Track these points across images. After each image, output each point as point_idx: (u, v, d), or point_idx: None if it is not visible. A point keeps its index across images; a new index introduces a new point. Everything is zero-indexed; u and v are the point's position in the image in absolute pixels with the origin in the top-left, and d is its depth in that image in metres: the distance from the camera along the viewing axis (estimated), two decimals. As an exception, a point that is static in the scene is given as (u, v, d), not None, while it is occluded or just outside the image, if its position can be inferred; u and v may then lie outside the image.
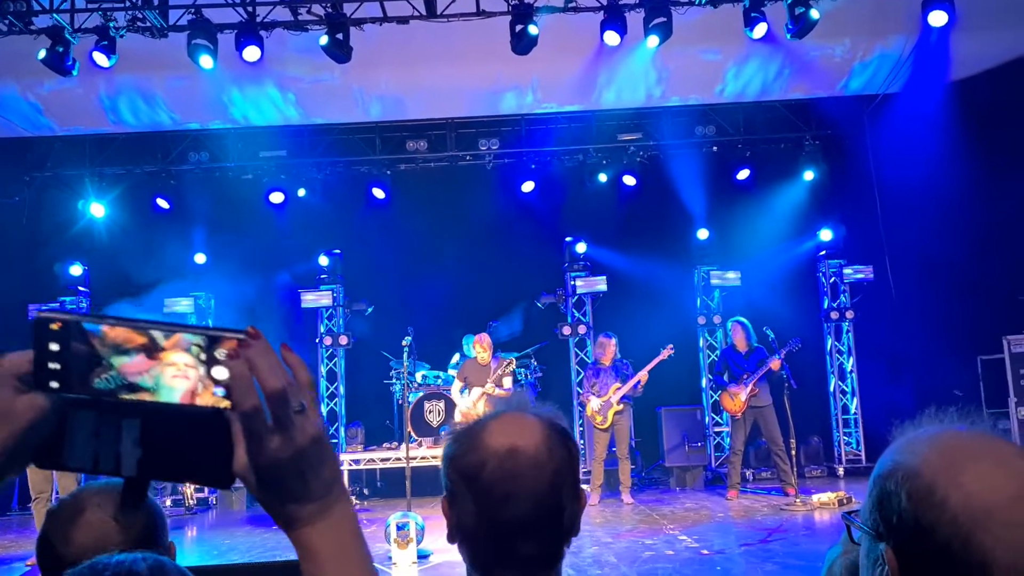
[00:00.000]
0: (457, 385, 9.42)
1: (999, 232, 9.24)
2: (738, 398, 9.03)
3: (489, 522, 1.17)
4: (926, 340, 9.93)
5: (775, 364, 8.89)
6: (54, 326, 0.70)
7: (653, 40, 8.42)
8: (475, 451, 1.20)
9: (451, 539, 1.24)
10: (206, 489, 10.21)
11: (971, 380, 10.14)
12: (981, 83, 9.54)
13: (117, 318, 0.71)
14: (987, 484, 0.79)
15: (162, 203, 11.10)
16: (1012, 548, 0.76)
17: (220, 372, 0.70)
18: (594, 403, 9.23)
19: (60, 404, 0.72)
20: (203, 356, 0.70)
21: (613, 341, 9.44)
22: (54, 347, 0.70)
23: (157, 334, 0.71)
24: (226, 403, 0.70)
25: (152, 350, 0.70)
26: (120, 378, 0.70)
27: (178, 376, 0.70)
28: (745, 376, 9.04)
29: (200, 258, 11.23)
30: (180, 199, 11.22)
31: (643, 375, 9.15)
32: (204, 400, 0.70)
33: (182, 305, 10.94)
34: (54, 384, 0.70)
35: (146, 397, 0.70)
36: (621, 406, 9.15)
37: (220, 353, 0.70)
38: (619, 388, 9.14)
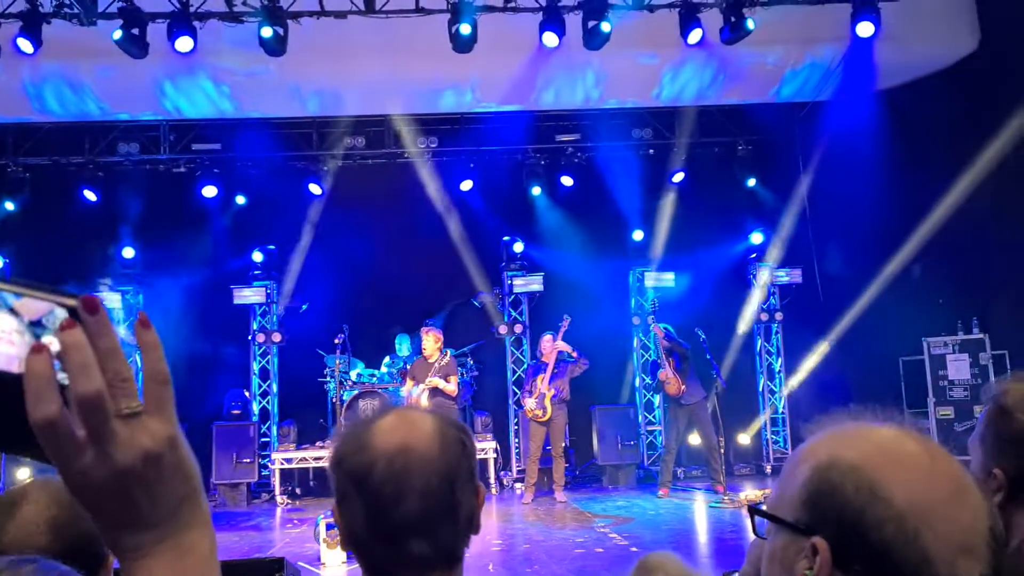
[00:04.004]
0: (408, 385, 9.05)
1: (921, 238, 9.55)
2: (666, 385, 9.15)
3: (381, 523, 1.14)
4: (851, 341, 10.25)
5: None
6: None
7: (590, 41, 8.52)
8: (364, 451, 1.16)
9: (344, 546, 1.21)
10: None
11: (893, 380, 10.49)
12: (906, 93, 9.87)
13: None
14: (927, 482, 0.81)
15: (89, 195, 10.77)
16: (949, 543, 0.79)
17: (51, 342, 0.57)
18: (529, 403, 9.25)
19: None
20: (27, 319, 0.58)
21: (545, 337, 9.49)
22: None
23: None
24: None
25: None
26: None
27: (2, 341, 0.58)
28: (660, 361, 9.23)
29: (129, 252, 10.93)
30: (109, 191, 10.92)
31: (560, 346, 9.13)
32: None
33: (110, 300, 10.63)
34: None
35: None
36: (552, 391, 9.13)
37: (48, 320, 0.58)
38: (544, 377, 9.16)
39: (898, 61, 9.40)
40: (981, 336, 9.41)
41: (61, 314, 0.59)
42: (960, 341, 9.52)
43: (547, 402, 9.11)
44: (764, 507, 0.94)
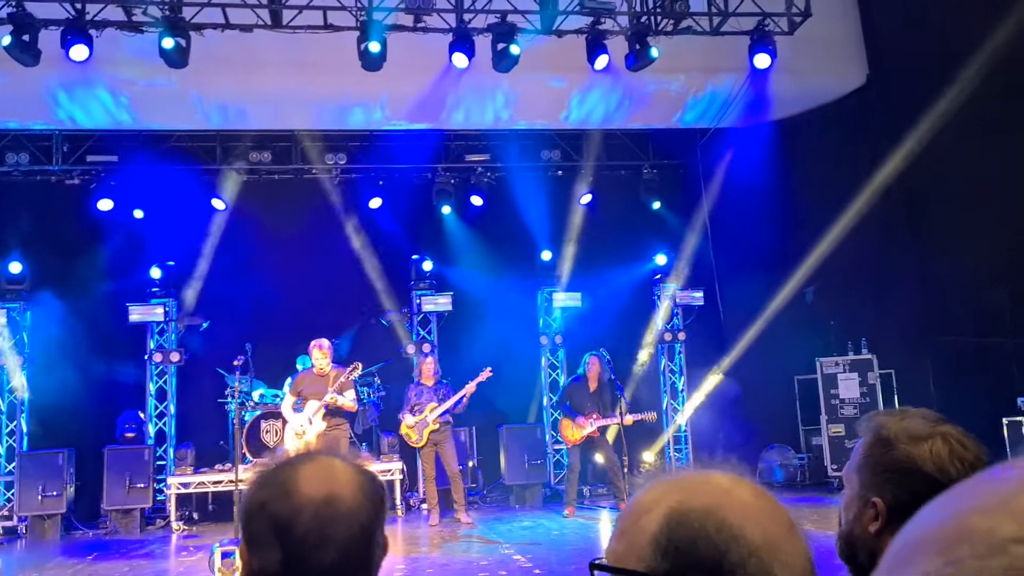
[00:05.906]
0: (289, 400, 8.39)
1: (814, 263, 9.95)
2: (581, 431, 9.17)
3: (297, 569, 1.15)
4: (750, 361, 10.58)
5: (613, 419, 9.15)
6: None
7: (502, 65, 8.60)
8: (289, 497, 1.17)
9: None
10: (14, 517, 9.44)
11: (789, 398, 10.88)
12: (800, 123, 10.33)
13: None
14: (770, 519, 0.85)
15: (-27, 206, 10.21)
16: (793, 573, 0.82)
17: None
18: (409, 420, 9.06)
19: None
20: None
21: (429, 360, 9.43)
22: None
23: None
24: None
25: None
26: None
27: None
28: (595, 416, 9.22)
29: (16, 267, 10.36)
30: (-5, 203, 10.39)
31: (470, 388, 9.03)
32: None
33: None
34: None
35: None
36: (437, 425, 9.01)
37: None
38: (435, 407, 9.06)
39: (792, 92, 9.84)
40: (869, 356, 9.86)
41: None
42: (850, 361, 9.95)
43: (425, 432, 8.96)
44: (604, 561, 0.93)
